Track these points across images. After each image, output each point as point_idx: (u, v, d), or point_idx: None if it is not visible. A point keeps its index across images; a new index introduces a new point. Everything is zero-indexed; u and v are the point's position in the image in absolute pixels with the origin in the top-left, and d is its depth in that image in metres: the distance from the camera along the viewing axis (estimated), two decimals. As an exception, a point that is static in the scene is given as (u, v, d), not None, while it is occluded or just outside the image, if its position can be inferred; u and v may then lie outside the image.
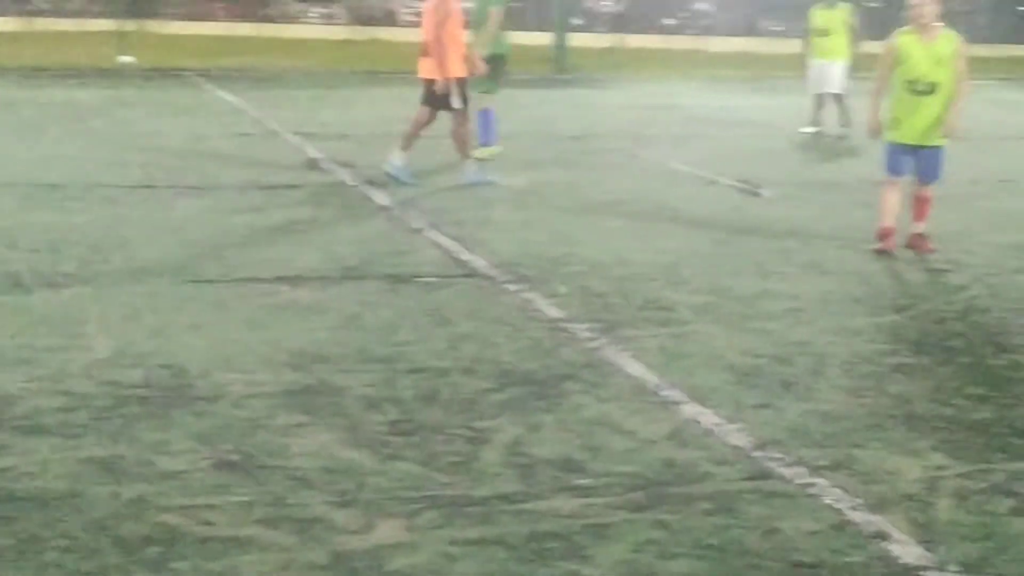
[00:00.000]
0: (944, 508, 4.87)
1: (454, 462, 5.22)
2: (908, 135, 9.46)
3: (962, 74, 9.39)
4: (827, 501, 4.90)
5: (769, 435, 5.61)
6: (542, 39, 31.39)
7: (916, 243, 9.60)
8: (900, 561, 4.41)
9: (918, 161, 9.56)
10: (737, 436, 5.60)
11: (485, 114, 14.02)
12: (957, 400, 6.23)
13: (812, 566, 4.36)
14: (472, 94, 12.71)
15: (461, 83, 12.26)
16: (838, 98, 17.23)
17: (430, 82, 12.29)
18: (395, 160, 12.39)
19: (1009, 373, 6.73)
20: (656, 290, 8.28)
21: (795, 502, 4.90)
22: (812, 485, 5.06)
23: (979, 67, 32.21)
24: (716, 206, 11.65)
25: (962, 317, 7.92)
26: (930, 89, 9.31)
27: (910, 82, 9.36)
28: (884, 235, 9.57)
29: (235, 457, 5.16)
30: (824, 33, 17.26)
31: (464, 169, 12.51)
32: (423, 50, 12.36)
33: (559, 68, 29.79)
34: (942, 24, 9.45)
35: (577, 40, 32.66)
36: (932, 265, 9.31)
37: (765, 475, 5.16)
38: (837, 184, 13.16)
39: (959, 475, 5.23)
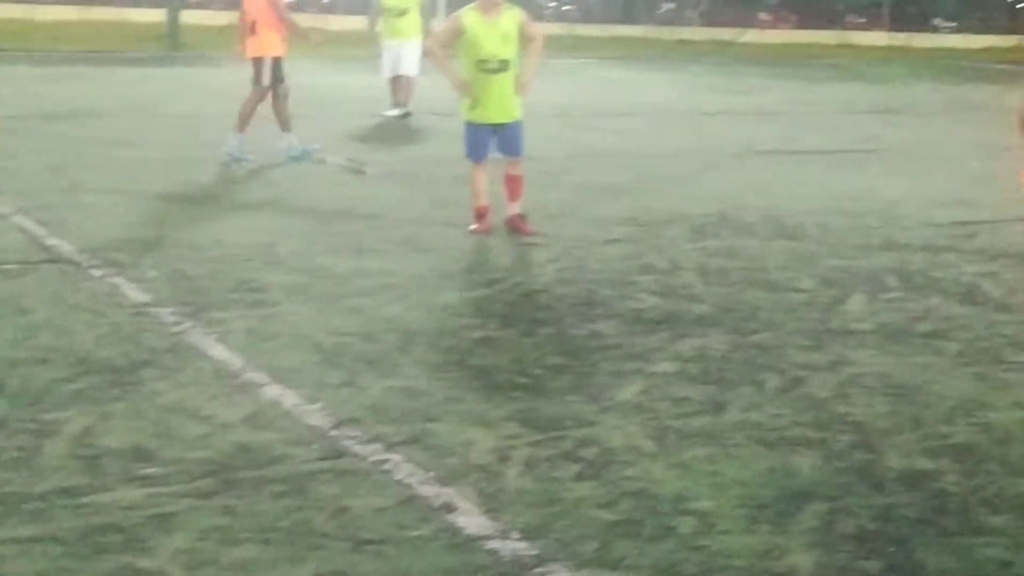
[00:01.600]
0: (512, 477, 4.98)
1: (15, 457, 4.95)
2: (486, 115, 9.59)
3: (535, 40, 9.59)
4: (399, 477, 4.92)
5: (348, 413, 5.59)
6: (155, 16, 30.48)
7: (515, 224, 9.80)
8: (464, 532, 4.46)
9: (500, 139, 9.76)
10: (316, 416, 5.55)
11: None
12: (536, 370, 6.39)
13: (378, 542, 4.35)
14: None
15: (276, 62, 13.10)
16: (409, 79, 17.09)
17: (258, 60, 13.12)
18: (232, 141, 12.92)
19: (589, 342, 6.95)
20: (250, 271, 8.15)
21: (367, 480, 4.89)
22: (386, 461, 5.06)
23: (586, 46, 33.51)
24: (320, 185, 11.61)
25: (549, 289, 8.15)
26: (501, 67, 9.49)
27: (481, 61, 9.49)
28: (480, 215, 9.75)
29: None
30: (399, 13, 17.01)
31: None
32: (250, 29, 13.14)
33: (173, 46, 29.00)
34: (505, 1, 9.57)
35: (193, 17, 31.91)
36: (525, 240, 9.55)
37: (340, 454, 5.13)
38: (440, 161, 13.29)
39: (530, 443, 5.35)
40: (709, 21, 42.06)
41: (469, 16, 9.54)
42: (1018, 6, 41.95)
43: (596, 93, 21.25)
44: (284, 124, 13.48)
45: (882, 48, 38.39)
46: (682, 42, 37.33)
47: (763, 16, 43.35)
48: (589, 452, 5.29)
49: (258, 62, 13.26)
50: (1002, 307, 8.03)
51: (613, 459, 5.21)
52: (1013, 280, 8.72)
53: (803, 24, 42.35)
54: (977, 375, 6.59)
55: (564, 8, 40.82)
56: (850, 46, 38.57)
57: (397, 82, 17.12)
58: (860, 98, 22.65)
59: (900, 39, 39.84)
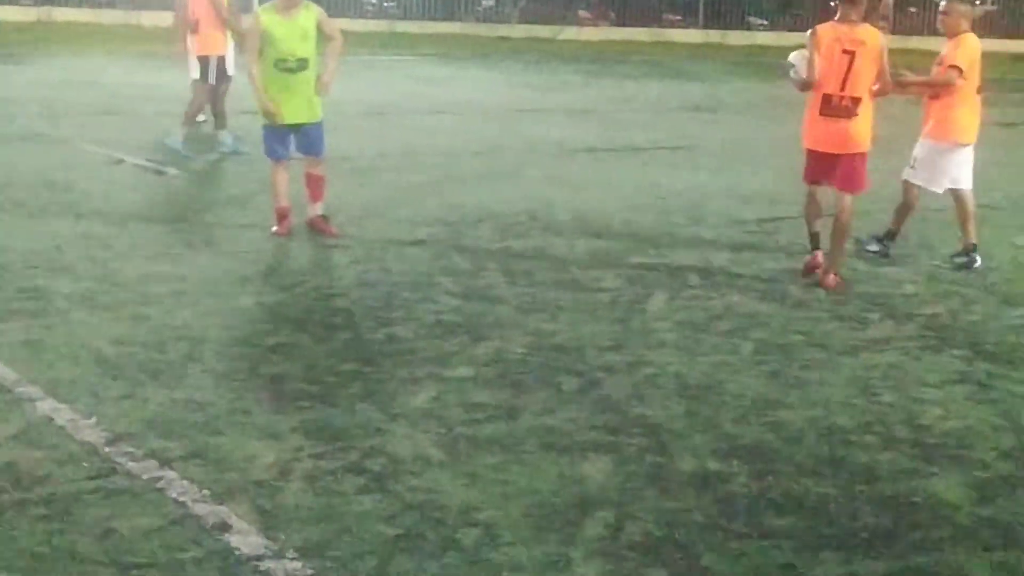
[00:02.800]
0: (292, 492, 4.80)
1: None
2: (285, 115, 9.32)
3: (335, 38, 9.39)
4: (173, 495, 4.70)
5: (125, 428, 5.34)
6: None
7: (318, 225, 9.57)
8: (238, 552, 4.28)
9: (300, 139, 9.52)
10: (91, 432, 5.30)
11: None
12: (329, 378, 6.21)
13: (145, 566, 4.14)
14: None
15: (221, 60, 13.37)
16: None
17: (204, 59, 13.31)
18: (178, 137, 13.20)
19: (384, 347, 6.80)
20: (33, 279, 7.79)
21: (139, 499, 4.66)
22: (160, 479, 4.84)
23: (405, 43, 33.17)
24: (118, 188, 11.20)
25: (348, 293, 7.96)
26: (299, 66, 9.23)
27: (279, 61, 9.23)
28: (281, 216, 9.50)
29: None
30: None
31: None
32: (193, 28, 13.32)
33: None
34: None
35: (-1, 13, 30.78)
36: (328, 241, 9.34)
37: (111, 472, 4.89)
38: (244, 161, 12.92)
39: (315, 456, 5.18)
40: (529, 18, 42.13)
41: (266, 15, 9.28)
42: (831, 3, 43.04)
43: (412, 90, 21.05)
44: (220, 120, 13.63)
45: (697, 45, 38.99)
46: (502, 39, 37.33)
47: (583, 13, 43.60)
48: (375, 463, 5.14)
49: (204, 60, 13.37)
50: (799, 303, 8.11)
51: (400, 470, 5.07)
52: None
53: (621, 22, 42.74)
54: (772, 373, 6.62)
55: (385, 4, 40.43)
56: (666, 43, 39.09)
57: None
58: (674, 95, 22.90)
59: (715, 36, 40.53)
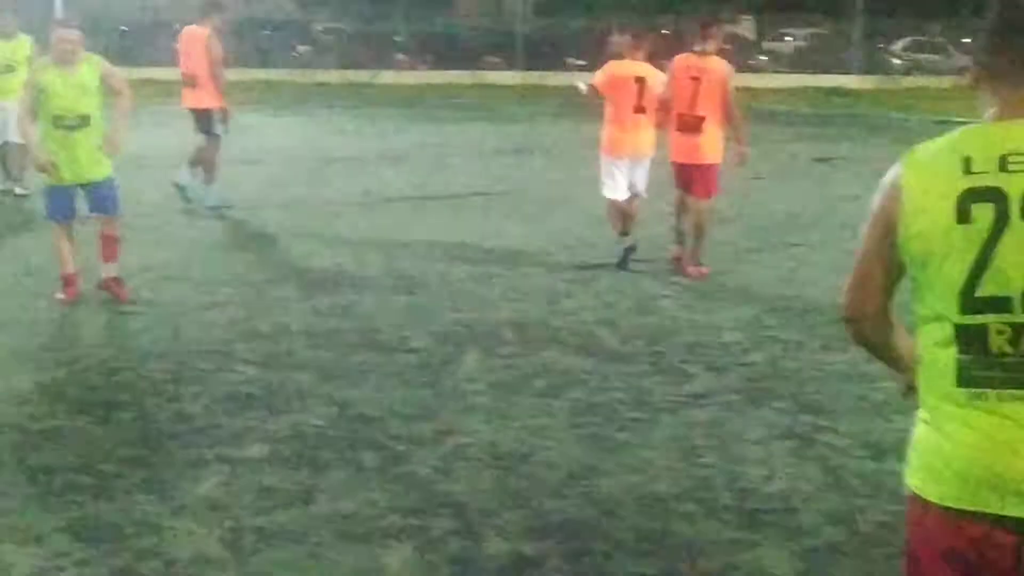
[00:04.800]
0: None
1: None
2: (65, 175, 8.69)
3: (123, 93, 8.82)
4: (-94, 622, 4.09)
5: None
6: None
7: (110, 288, 8.95)
8: None
9: (89, 198, 8.91)
10: None
11: None
12: (105, 466, 5.65)
13: None
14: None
15: (224, 111, 13.13)
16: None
17: (203, 111, 13.16)
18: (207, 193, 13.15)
19: (171, 427, 6.25)
20: None
21: None
22: None
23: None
24: None
25: (136, 365, 7.38)
26: (80, 122, 8.63)
27: (57, 117, 8.61)
28: (67, 282, 8.85)
29: None
30: (7, 70, 14.10)
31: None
32: (191, 81, 13.20)
33: None
34: (83, 50, 8.72)
35: None
36: (119, 307, 8.72)
37: None
38: (36, 224, 12.14)
39: (78, 561, 4.62)
40: (346, 63, 41.62)
41: (44, 71, 8.65)
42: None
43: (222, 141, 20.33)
44: (199, 167, 13.46)
45: (517, 87, 38.95)
46: (319, 85, 36.75)
47: (400, 57, 43.27)
48: (149, 566, 4.61)
49: (205, 113, 13.25)
50: (618, 356, 7.79)
51: (176, 574, 4.52)
52: (628, 327, 8.52)
53: (440, 64, 42.51)
54: (589, 437, 6.26)
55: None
56: (486, 85, 38.95)
57: (6, 151, 14.38)
58: (493, 139, 22.64)
59: (534, 78, 40.55)
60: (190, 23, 13.80)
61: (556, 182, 16.36)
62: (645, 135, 10.41)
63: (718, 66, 9.97)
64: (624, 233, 10.55)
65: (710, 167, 10.07)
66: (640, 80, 10.27)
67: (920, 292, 2.68)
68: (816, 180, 15.79)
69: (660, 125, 10.32)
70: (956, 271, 2.57)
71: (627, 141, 10.42)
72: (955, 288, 2.58)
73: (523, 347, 7.97)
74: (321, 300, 9.12)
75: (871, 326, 2.89)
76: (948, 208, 2.57)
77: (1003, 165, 2.56)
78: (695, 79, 9.90)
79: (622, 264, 10.37)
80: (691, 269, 10.16)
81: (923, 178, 2.63)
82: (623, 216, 10.56)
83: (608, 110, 10.50)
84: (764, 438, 6.29)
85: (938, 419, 2.66)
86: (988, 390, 2.58)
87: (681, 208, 10.41)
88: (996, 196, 2.55)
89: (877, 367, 7.46)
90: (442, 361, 7.59)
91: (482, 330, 8.37)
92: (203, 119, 13.29)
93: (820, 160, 18.28)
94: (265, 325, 8.30)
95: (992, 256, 2.55)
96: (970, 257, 2.56)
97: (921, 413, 2.73)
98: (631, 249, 10.47)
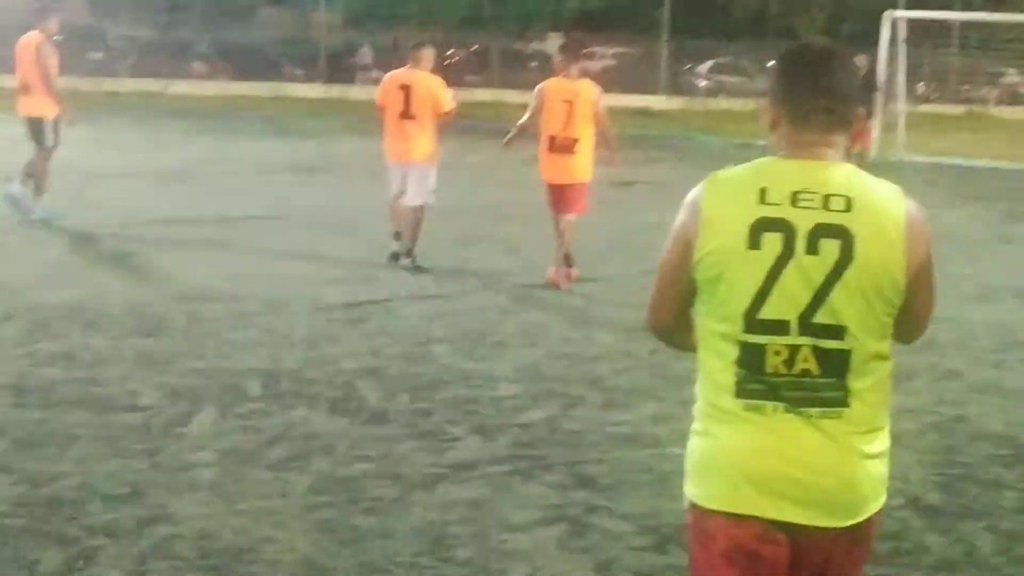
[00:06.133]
0: None
1: None
2: None
3: None
4: None
5: None
6: None
7: None
8: None
9: None
10: None
11: None
12: None
13: None
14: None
15: (56, 120, 12.75)
16: None
17: (36, 120, 12.74)
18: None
19: None
20: None
21: None
22: None
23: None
24: None
25: None
26: None
27: None
28: None
29: None
30: None
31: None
32: (24, 89, 12.77)
33: None
34: None
35: None
36: None
37: None
38: None
39: None
40: (140, 72, 39.81)
41: None
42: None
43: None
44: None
45: (318, 101, 37.74)
46: (111, 94, 34.94)
47: (197, 66, 41.61)
48: None
49: (37, 122, 12.87)
50: (375, 416, 6.84)
51: None
52: (392, 378, 7.58)
53: (240, 75, 40.97)
54: (325, 523, 5.29)
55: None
56: (287, 98, 37.67)
57: None
58: (283, 155, 21.45)
59: (336, 91, 39.40)
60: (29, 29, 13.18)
61: (341, 206, 15.36)
62: (415, 142, 11.00)
63: (589, 88, 10.47)
64: (397, 237, 11.16)
65: (583, 185, 10.55)
66: (405, 88, 10.93)
67: (708, 308, 2.86)
68: (615, 207, 15.09)
69: (510, 144, 10.91)
70: (743, 292, 2.78)
71: (396, 147, 11.09)
72: (741, 308, 2.79)
73: (268, 403, 6.97)
74: (44, 344, 7.97)
75: (674, 335, 3.08)
76: (742, 233, 2.77)
77: (794, 200, 2.77)
78: (568, 102, 10.32)
79: (395, 258, 11.08)
80: (560, 278, 10.48)
81: (721, 201, 2.82)
82: (397, 218, 11.21)
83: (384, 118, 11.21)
84: (531, 523, 5.41)
85: (714, 430, 2.87)
86: (764, 402, 2.80)
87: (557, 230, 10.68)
88: (785, 228, 2.76)
89: (666, 429, 6.71)
90: (169, 423, 6.53)
91: (225, 382, 7.33)
92: (35, 128, 12.85)
93: (623, 184, 17.61)
94: (-33, 377, 7.11)
95: (776, 283, 2.76)
96: (757, 281, 2.76)
97: (696, 425, 2.93)
98: (396, 255, 11.12)
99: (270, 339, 8.43)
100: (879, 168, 19.18)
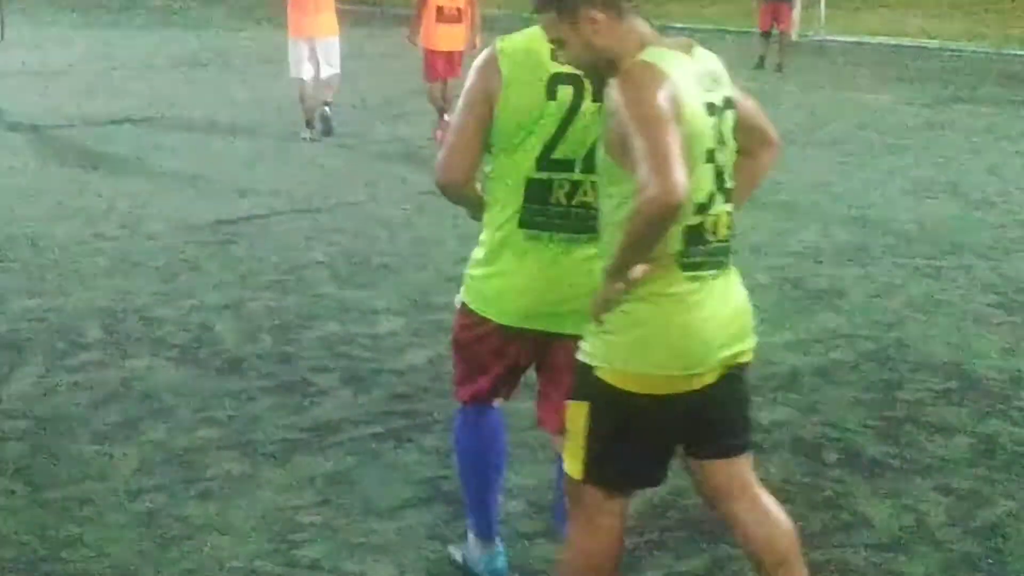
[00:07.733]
0: None
1: None
2: None
3: None
4: None
5: None
6: None
7: None
8: None
9: None
10: None
11: None
12: None
13: None
14: None
15: None
16: None
17: None
18: None
19: None
20: None
21: None
22: None
23: None
24: None
25: None
26: None
27: None
28: None
29: None
30: None
31: None
32: None
33: None
34: None
35: None
36: None
37: None
38: None
39: None
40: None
41: None
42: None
43: None
44: None
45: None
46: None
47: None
48: None
49: None
50: (230, 365, 5.88)
51: None
52: (260, 308, 6.63)
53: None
54: (149, 516, 4.35)
55: None
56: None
57: None
58: (171, 47, 20.12)
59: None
60: None
61: (224, 104, 14.16)
62: (322, 16, 11.77)
63: None
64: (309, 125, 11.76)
65: (462, 52, 11.63)
66: None
67: (502, 155, 3.36)
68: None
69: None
70: (539, 138, 3.30)
71: (302, 22, 11.72)
72: (535, 151, 3.31)
73: (106, 351, 6.03)
74: None
75: (464, 190, 3.47)
76: (540, 87, 3.28)
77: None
78: None
79: (328, 131, 11.82)
80: None
81: (518, 62, 3.30)
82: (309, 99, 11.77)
83: None
84: (400, 506, 4.53)
85: (497, 257, 3.44)
86: (543, 233, 3.36)
87: (437, 98, 11.77)
88: (575, 81, 3.24)
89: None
90: (-21, 382, 5.53)
91: (60, 325, 6.33)
92: None
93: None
94: None
95: (567, 127, 3.29)
96: (552, 127, 3.29)
97: (477, 252, 3.51)
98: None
99: (120, 268, 7.41)
100: (801, 50, 18.12)
